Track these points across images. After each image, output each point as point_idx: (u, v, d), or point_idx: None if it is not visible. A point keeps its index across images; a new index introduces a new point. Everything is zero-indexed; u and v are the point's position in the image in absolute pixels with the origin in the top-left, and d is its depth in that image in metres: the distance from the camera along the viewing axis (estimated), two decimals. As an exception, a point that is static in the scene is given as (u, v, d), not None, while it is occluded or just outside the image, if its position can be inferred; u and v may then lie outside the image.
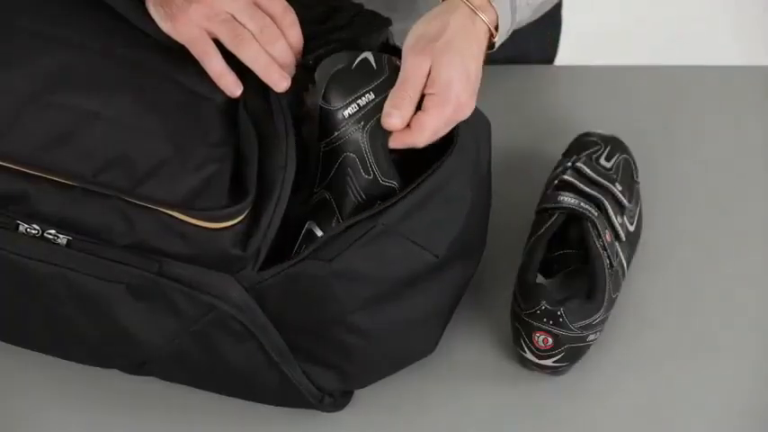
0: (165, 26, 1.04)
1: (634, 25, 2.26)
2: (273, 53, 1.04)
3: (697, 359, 1.18)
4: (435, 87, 1.04)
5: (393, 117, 1.03)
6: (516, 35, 1.13)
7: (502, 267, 1.22)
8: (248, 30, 1.03)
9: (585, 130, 1.29)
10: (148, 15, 1.05)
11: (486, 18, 1.07)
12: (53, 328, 1.07)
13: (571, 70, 1.43)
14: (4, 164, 1.01)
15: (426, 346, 1.12)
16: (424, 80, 1.04)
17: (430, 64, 1.04)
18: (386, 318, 1.06)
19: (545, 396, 1.15)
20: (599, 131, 1.27)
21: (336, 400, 1.12)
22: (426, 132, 1.04)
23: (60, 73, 1.01)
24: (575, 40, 1.56)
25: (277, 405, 1.12)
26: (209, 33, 1.03)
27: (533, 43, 1.40)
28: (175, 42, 1.04)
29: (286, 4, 1.06)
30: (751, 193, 1.31)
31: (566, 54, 1.50)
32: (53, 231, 1.02)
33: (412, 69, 1.04)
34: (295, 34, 1.06)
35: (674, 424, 1.14)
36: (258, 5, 1.04)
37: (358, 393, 1.13)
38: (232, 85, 1.03)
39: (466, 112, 1.06)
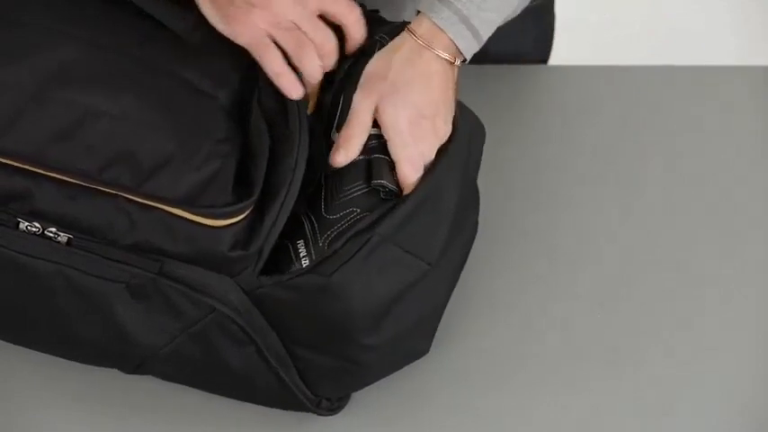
0: (221, 28, 1.03)
1: (634, 25, 2.26)
2: (327, 66, 1.05)
3: (697, 359, 1.18)
4: (385, 132, 1.05)
5: (339, 155, 1.04)
6: (509, 31, 1.13)
7: (495, 267, 1.22)
8: (311, 41, 1.03)
9: (584, 130, 1.29)
10: (164, 5, 1.05)
11: (438, 47, 1.06)
12: (52, 327, 1.07)
13: (569, 70, 1.43)
14: (7, 161, 1.01)
15: (423, 346, 1.12)
16: (370, 121, 1.05)
17: (375, 105, 1.05)
18: (387, 328, 1.05)
19: (543, 395, 1.15)
20: None
21: (333, 403, 1.12)
22: (412, 175, 1.04)
23: (65, 69, 1.01)
24: (574, 40, 1.56)
25: (274, 407, 1.12)
26: (270, 37, 1.03)
27: (527, 39, 1.40)
28: (191, 37, 1.04)
29: (350, 16, 1.06)
30: (751, 193, 1.31)
31: (564, 54, 1.50)
32: (53, 229, 1.02)
33: (358, 110, 1.05)
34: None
35: (674, 424, 1.14)
36: (321, 16, 1.04)
37: (353, 396, 1.13)
38: (291, 86, 1.03)
39: (437, 140, 1.06)
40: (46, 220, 1.02)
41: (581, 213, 1.29)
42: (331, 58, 1.05)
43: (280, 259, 1.04)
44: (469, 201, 1.12)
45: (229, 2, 1.02)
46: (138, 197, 1.00)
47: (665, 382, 1.16)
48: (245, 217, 1.01)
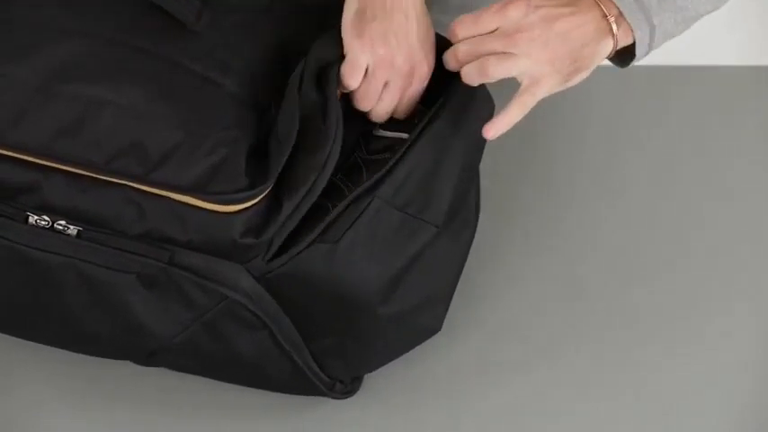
0: (346, 33, 1.04)
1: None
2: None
3: (697, 359, 1.18)
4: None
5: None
6: None
7: (499, 261, 1.22)
8: (389, 88, 1.05)
9: (584, 130, 1.29)
10: None
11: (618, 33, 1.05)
12: (63, 321, 1.07)
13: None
14: (16, 155, 1.01)
15: (434, 323, 1.12)
16: None
17: None
18: (398, 299, 1.06)
19: (545, 394, 1.15)
20: None
21: (347, 386, 1.12)
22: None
23: (70, 62, 1.01)
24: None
25: (288, 393, 1.12)
26: (370, 73, 1.04)
27: None
28: (195, 25, 1.04)
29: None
30: (750, 193, 1.31)
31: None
32: (63, 222, 1.02)
33: None
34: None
35: (674, 424, 1.14)
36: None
37: (364, 383, 1.14)
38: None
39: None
40: (55, 212, 1.02)
41: (580, 213, 1.29)
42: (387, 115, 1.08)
43: (317, 217, 1.03)
44: (473, 174, 1.12)
45: (373, 17, 1.03)
46: (147, 186, 1.00)
47: (665, 382, 1.16)
48: (259, 203, 1.01)
